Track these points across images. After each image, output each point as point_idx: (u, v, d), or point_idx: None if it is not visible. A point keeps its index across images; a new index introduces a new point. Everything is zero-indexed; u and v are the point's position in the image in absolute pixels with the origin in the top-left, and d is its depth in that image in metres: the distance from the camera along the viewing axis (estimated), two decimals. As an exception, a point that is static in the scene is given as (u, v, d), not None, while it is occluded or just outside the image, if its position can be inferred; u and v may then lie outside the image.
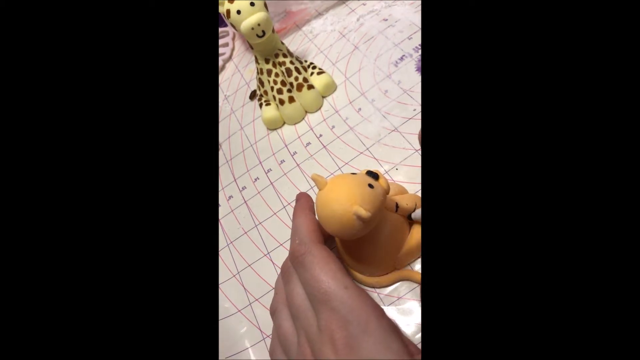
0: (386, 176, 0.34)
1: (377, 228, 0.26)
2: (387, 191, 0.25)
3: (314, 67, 0.42)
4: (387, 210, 0.27)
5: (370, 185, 0.24)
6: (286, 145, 0.41)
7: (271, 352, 0.26)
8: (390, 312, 0.27)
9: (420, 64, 0.39)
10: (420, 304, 0.27)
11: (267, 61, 0.40)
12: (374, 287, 0.29)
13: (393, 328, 0.21)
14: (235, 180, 0.41)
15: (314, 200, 0.27)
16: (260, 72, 0.42)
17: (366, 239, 0.26)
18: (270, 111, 0.42)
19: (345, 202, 0.23)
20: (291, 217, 0.27)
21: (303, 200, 0.28)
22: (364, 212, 0.22)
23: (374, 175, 0.25)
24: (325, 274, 0.22)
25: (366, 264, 0.28)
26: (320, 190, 0.24)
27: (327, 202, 0.24)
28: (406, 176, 0.33)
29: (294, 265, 0.24)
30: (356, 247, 0.28)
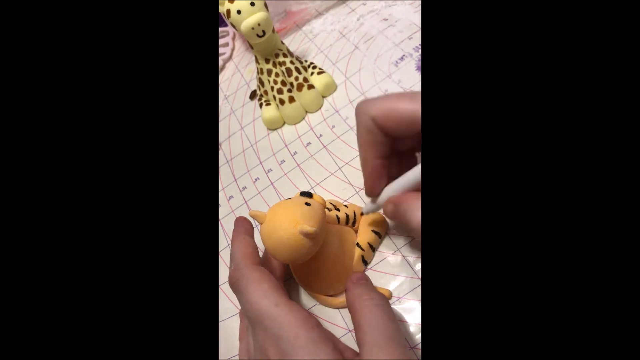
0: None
1: (325, 243, 0.26)
2: (324, 205, 0.26)
3: (314, 67, 0.42)
4: (330, 224, 0.28)
5: (307, 204, 0.25)
6: (286, 145, 0.41)
7: None
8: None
9: (420, 63, 0.39)
10: (421, 304, 0.27)
11: (267, 61, 0.40)
12: (342, 308, 0.29)
13: (323, 338, 0.21)
14: (235, 180, 0.41)
15: (255, 227, 0.27)
16: (260, 72, 0.42)
17: (319, 257, 0.26)
18: (271, 111, 0.42)
19: (288, 226, 0.23)
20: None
21: (239, 224, 0.28)
22: (309, 228, 0.23)
23: (307, 194, 0.26)
24: (258, 295, 0.22)
25: (326, 282, 0.28)
26: (261, 224, 0.25)
27: (272, 231, 0.24)
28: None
29: (233, 291, 0.24)
30: (311, 268, 0.28)
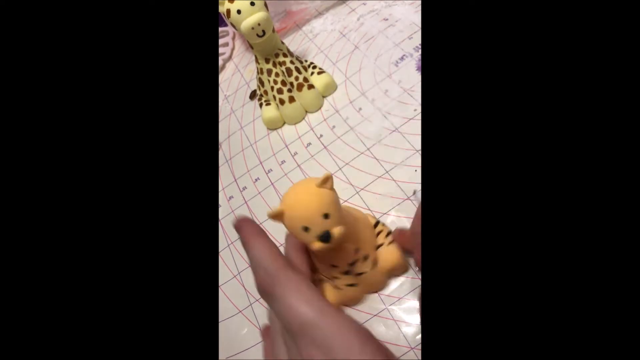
0: (387, 175, 0.34)
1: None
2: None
3: (314, 67, 0.42)
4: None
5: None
6: (286, 146, 0.41)
7: None
8: (392, 312, 0.27)
9: (420, 63, 0.39)
10: (420, 304, 0.27)
11: (267, 61, 0.40)
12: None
13: (377, 351, 0.19)
14: (235, 180, 0.41)
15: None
16: (260, 71, 0.42)
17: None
18: (271, 111, 0.42)
19: (311, 187, 0.24)
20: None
21: (248, 227, 0.24)
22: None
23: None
24: (300, 302, 0.20)
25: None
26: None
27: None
28: (406, 176, 0.33)
29: (264, 299, 0.22)
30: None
